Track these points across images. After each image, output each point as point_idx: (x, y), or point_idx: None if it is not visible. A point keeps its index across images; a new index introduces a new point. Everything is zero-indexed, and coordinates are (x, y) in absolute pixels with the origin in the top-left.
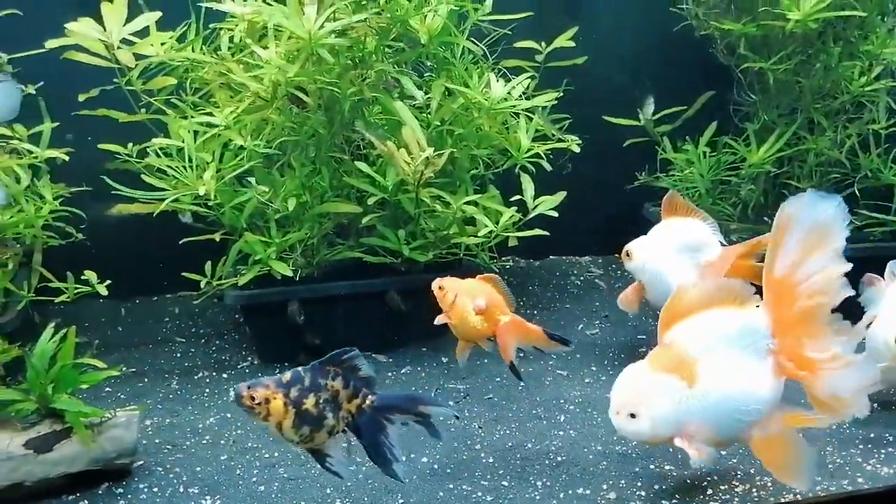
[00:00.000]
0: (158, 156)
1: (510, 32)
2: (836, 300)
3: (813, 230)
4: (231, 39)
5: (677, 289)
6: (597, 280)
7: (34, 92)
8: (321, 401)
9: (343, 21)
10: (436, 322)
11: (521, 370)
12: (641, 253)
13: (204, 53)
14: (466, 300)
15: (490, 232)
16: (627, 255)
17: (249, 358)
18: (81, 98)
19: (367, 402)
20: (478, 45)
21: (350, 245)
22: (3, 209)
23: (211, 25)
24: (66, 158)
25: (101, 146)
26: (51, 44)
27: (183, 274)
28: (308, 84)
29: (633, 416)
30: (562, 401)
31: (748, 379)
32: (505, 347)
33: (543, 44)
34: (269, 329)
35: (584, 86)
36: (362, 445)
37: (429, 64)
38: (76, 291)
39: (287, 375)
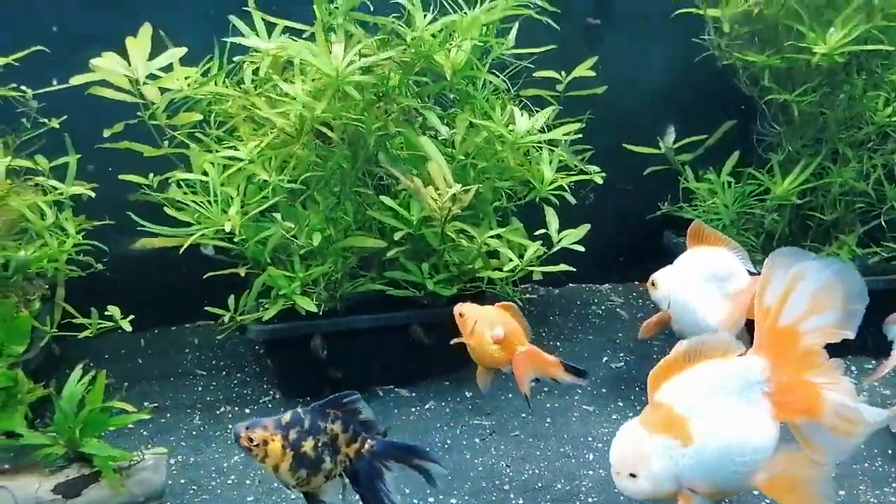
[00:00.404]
0: (180, 187)
1: (531, 66)
2: (837, 339)
3: (822, 290)
4: (254, 73)
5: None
6: (618, 309)
7: (57, 125)
8: (320, 444)
9: (370, 59)
10: (452, 342)
11: (546, 405)
12: (667, 283)
13: (227, 87)
14: (485, 328)
15: (515, 266)
16: (653, 284)
17: (271, 392)
18: (106, 133)
19: (366, 447)
20: (500, 78)
21: (372, 277)
22: (28, 244)
23: (234, 59)
24: (93, 195)
25: (121, 177)
26: (76, 80)
27: (206, 308)
28: (333, 119)
29: (633, 475)
30: (590, 438)
31: (744, 428)
32: (521, 378)
33: (563, 73)
34: (292, 363)
35: (602, 114)
36: (357, 492)
37: (451, 97)
38: (99, 327)
39: (287, 417)
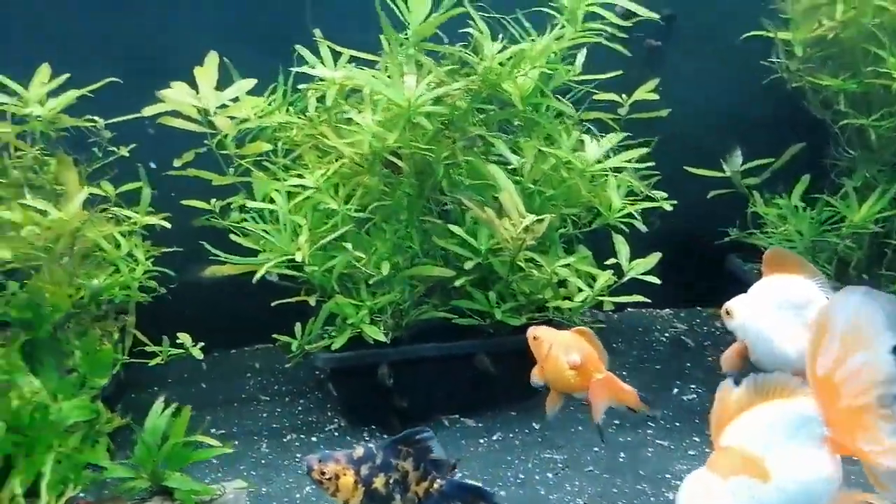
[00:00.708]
0: (242, 211)
1: (594, 91)
2: (884, 397)
3: (849, 330)
4: (319, 100)
5: (721, 391)
6: (683, 337)
7: (127, 154)
8: (391, 481)
9: (443, 89)
10: (532, 381)
11: (618, 439)
12: (742, 311)
13: (291, 115)
14: (561, 353)
15: (587, 296)
16: (727, 313)
17: (336, 420)
18: (177, 163)
19: (435, 486)
20: (567, 105)
21: (435, 305)
22: (99, 270)
23: (298, 87)
24: (168, 225)
25: (184, 202)
26: (148, 111)
27: (274, 336)
28: (402, 149)
29: None
30: (667, 475)
31: (815, 466)
32: (596, 406)
33: (625, 96)
34: (358, 391)
35: (664, 137)
36: None
37: (515, 123)
38: (170, 354)
39: (359, 451)
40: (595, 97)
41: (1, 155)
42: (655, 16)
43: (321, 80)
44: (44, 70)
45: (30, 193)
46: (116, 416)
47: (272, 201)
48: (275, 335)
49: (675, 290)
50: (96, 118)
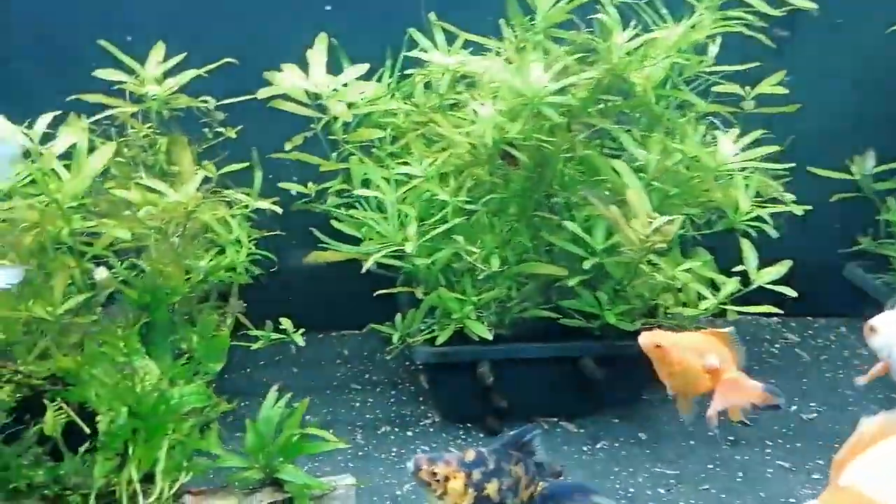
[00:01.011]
0: (339, 196)
1: (721, 81)
2: None
3: None
4: (426, 85)
5: (862, 426)
6: (797, 349)
7: (234, 136)
8: (503, 487)
9: (571, 79)
10: (669, 393)
11: (734, 458)
12: (889, 328)
13: (397, 99)
14: (691, 356)
15: (710, 304)
16: (872, 329)
17: (430, 414)
18: (288, 146)
19: (539, 489)
20: (697, 99)
21: (539, 304)
22: (207, 251)
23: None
24: (279, 210)
25: (281, 185)
26: (262, 94)
27: (374, 326)
28: (524, 141)
29: None
30: (791, 500)
31: None
32: (717, 404)
33: (748, 88)
34: (456, 388)
35: (781, 134)
36: None
37: (636, 115)
38: (271, 339)
39: (470, 454)
40: (715, 89)
41: (118, 133)
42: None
43: (429, 64)
44: (158, 49)
45: (143, 172)
46: (222, 400)
47: (375, 187)
48: (374, 325)
49: (782, 296)
50: (208, 98)
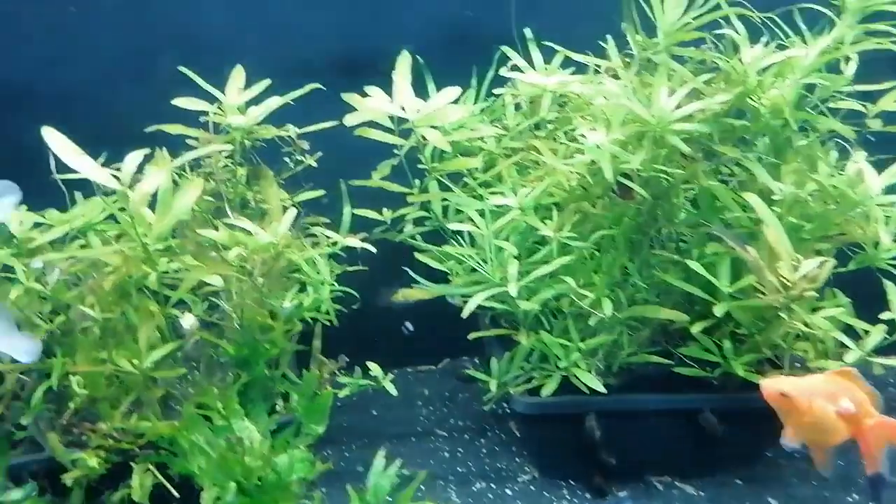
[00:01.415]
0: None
1: (842, 97)
2: None
3: None
4: (516, 107)
5: None
6: None
7: (315, 164)
8: None
9: (701, 104)
10: (787, 444)
11: None
12: None
13: (485, 122)
14: (822, 402)
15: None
16: None
17: (527, 469)
18: (375, 176)
19: None
20: (837, 122)
21: (651, 351)
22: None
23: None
24: (373, 250)
25: (357, 211)
26: (349, 120)
27: (468, 373)
28: (641, 172)
29: None
30: None
31: None
32: (872, 456)
33: (870, 105)
34: (558, 441)
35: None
36: None
37: (759, 141)
38: (360, 385)
39: None
40: (832, 105)
41: (197, 163)
42: None
43: (515, 83)
44: (238, 73)
45: (228, 209)
46: (317, 459)
47: (467, 219)
48: (469, 372)
49: None
50: (290, 125)
